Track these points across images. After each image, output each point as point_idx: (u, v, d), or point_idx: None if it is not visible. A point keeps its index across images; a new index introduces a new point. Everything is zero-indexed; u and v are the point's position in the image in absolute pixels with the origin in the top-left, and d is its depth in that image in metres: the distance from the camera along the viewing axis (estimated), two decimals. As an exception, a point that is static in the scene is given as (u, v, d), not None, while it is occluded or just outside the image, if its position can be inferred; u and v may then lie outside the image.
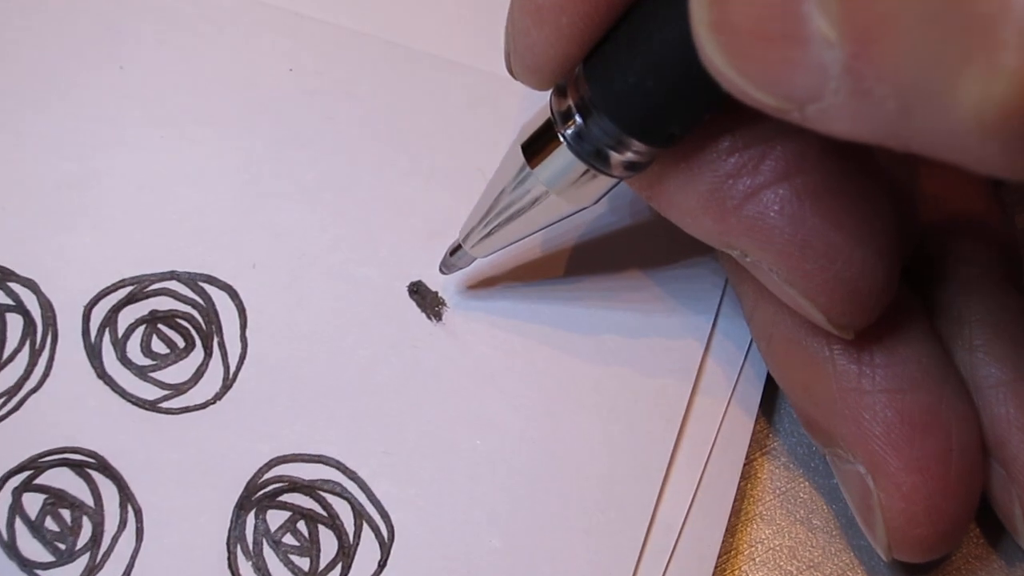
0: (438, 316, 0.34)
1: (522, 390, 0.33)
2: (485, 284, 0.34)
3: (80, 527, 0.30)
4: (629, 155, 0.27)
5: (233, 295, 0.34)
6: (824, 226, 0.27)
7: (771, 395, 0.35)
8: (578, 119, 0.27)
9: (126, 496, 0.31)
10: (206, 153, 0.35)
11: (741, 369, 0.34)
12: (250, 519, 0.31)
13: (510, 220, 0.30)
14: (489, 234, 0.31)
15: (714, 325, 0.35)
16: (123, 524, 0.30)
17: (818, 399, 0.30)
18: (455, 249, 0.33)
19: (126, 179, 0.35)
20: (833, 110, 0.20)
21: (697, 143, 0.27)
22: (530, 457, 0.32)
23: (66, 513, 0.31)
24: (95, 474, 0.31)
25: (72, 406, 0.32)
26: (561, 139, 0.28)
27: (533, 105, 0.30)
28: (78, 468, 0.31)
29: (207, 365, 0.33)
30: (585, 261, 0.35)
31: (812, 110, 0.21)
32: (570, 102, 0.27)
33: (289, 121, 0.36)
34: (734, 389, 0.34)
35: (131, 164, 0.35)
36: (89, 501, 0.31)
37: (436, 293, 0.34)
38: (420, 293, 0.34)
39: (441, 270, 0.34)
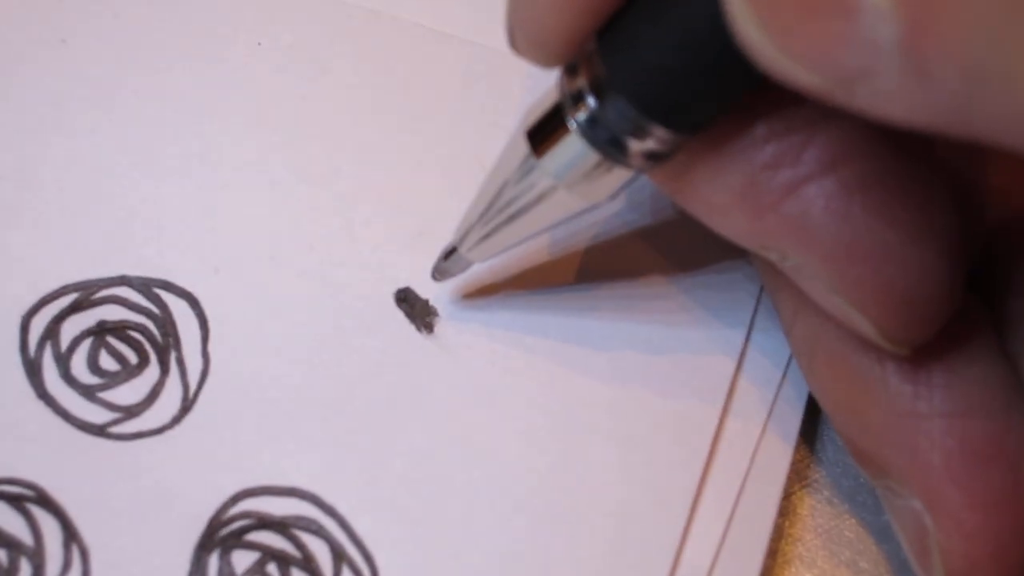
0: (429, 327, 0.34)
1: (526, 413, 0.33)
2: (484, 292, 0.35)
3: (17, 569, 0.31)
4: (650, 143, 0.27)
5: (193, 303, 0.34)
6: (876, 225, 0.27)
7: (813, 419, 0.35)
8: (591, 102, 0.27)
9: (70, 534, 0.31)
10: (162, 139, 0.36)
11: (779, 389, 0.35)
12: (213, 561, 0.31)
13: (513, 219, 0.31)
14: (488, 235, 0.32)
15: (747, 339, 0.35)
16: (67, 566, 0.31)
17: (868, 424, 0.31)
18: (449, 253, 0.33)
19: (69, 169, 0.35)
20: (886, 91, 0.21)
21: (728, 129, 0.28)
22: (535, 490, 0.33)
23: (1, 554, 0.31)
24: (35, 509, 0.31)
25: (8, 431, 0.32)
26: (571, 125, 0.28)
27: (539, 84, 0.30)
28: (15, 502, 0.31)
29: (163, 384, 0.33)
30: (598, 265, 0.36)
31: (862, 91, 0.21)
32: (582, 82, 0.27)
33: (258, 102, 0.36)
34: (770, 412, 0.34)
35: (75, 152, 0.35)
36: (28, 540, 0.31)
37: (427, 301, 0.35)
38: (408, 301, 0.35)
39: (433, 276, 0.34)
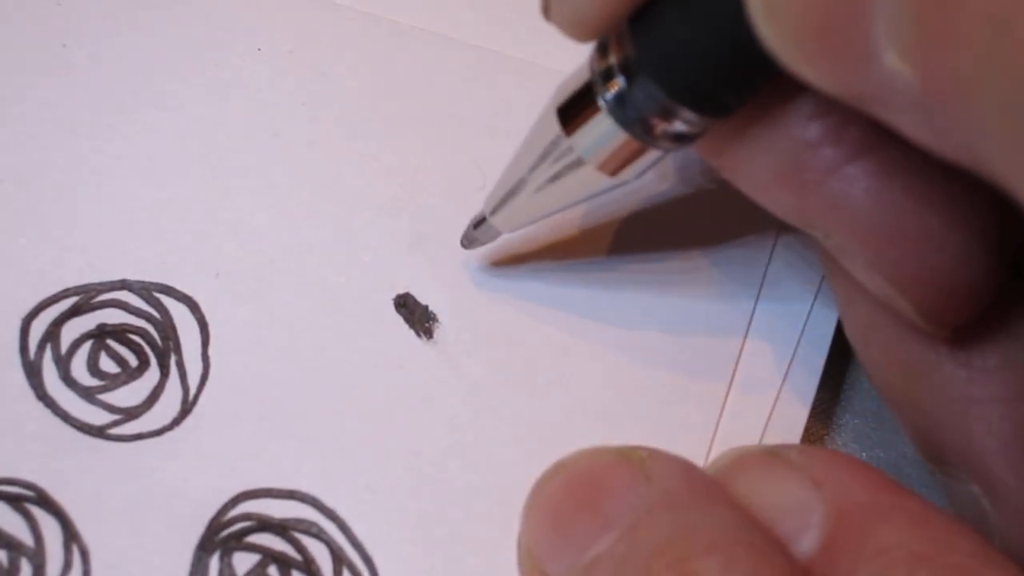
0: (428, 333, 0.35)
1: (524, 418, 0.34)
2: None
3: (18, 570, 0.31)
4: (677, 125, 0.28)
5: (193, 307, 0.35)
6: (917, 208, 0.27)
7: (814, 422, 0.36)
8: (621, 81, 0.28)
9: (71, 535, 0.32)
10: (162, 144, 0.37)
11: (779, 392, 0.35)
12: (213, 562, 0.32)
13: (541, 193, 0.32)
14: (518, 207, 0.33)
15: (748, 327, 0.36)
16: (67, 567, 0.31)
17: (924, 410, 0.31)
18: (479, 222, 0.34)
19: (69, 173, 0.36)
20: (903, 122, 0.22)
21: (772, 105, 0.28)
22: None
23: (2, 554, 0.31)
24: (35, 509, 0.32)
25: (8, 432, 0.33)
26: (601, 103, 0.29)
27: (538, 87, 0.31)
28: (15, 502, 0.32)
29: (163, 386, 0.34)
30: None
31: (878, 110, 0.22)
32: (612, 61, 0.28)
33: (257, 107, 0.37)
34: (769, 418, 0.35)
35: (75, 156, 0.36)
36: (28, 540, 0.32)
37: (426, 307, 0.35)
38: (408, 307, 0.35)
39: (462, 243, 0.35)
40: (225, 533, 0.32)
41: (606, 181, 0.31)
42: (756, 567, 0.24)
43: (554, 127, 0.30)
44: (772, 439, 0.35)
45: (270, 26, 0.38)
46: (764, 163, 0.29)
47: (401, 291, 0.36)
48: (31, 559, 0.32)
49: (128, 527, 0.32)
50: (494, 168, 0.33)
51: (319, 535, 0.33)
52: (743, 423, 0.35)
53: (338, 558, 0.32)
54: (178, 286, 0.35)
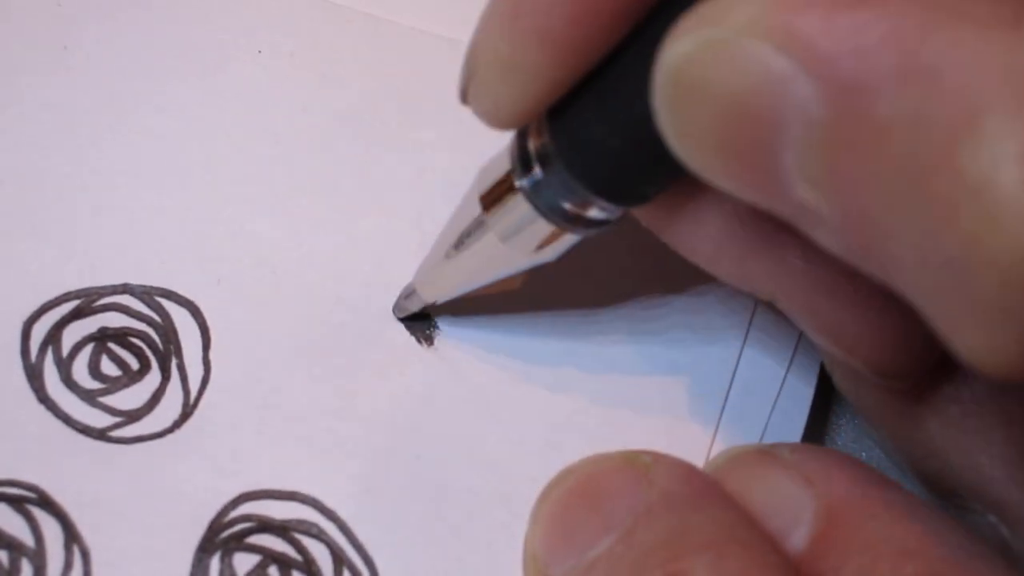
0: (430, 340, 0.36)
1: (525, 424, 0.35)
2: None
3: (19, 571, 0.32)
4: (594, 212, 0.29)
5: (195, 312, 0.35)
6: (852, 271, 0.28)
7: (822, 413, 0.36)
8: (537, 169, 0.29)
9: (71, 536, 0.32)
10: (163, 146, 0.37)
11: (784, 378, 0.36)
12: (214, 563, 0.32)
13: (466, 268, 0.33)
14: (444, 282, 0.34)
15: (748, 328, 0.36)
16: (68, 567, 0.32)
17: (929, 451, 0.31)
18: (410, 293, 0.35)
19: (70, 177, 0.36)
20: (815, 235, 0.22)
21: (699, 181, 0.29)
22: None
23: (2, 555, 0.32)
24: (36, 511, 0.32)
25: (9, 434, 0.33)
26: (518, 188, 0.29)
27: None
28: (16, 504, 0.32)
29: (164, 389, 0.34)
30: (603, 277, 0.37)
31: (793, 222, 0.22)
32: (531, 148, 0.29)
33: (258, 111, 0.38)
34: (769, 418, 0.35)
35: (76, 160, 0.36)
36: (29, 541, 0.32)
37: (427, 312, 0.36)
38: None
39: (393, 311, 0.36)
40: (226, 534, 0.33)
41: (526, 260, 0.31)
42: (747, 565, 0.24)
43: (476, 208, 0.31)
44: (772, 439, 0.35)
45: (270, 28, 0.39)
46: (703, 236, 0.30)
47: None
48: (32, 560, 0.32)
49: (129, 528, 0.32)
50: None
51: (320, 536, 0.33)
52: (743, 423, 0.35)
53: (339, 559, 0.33)
54: (179, 290, 0.35)
